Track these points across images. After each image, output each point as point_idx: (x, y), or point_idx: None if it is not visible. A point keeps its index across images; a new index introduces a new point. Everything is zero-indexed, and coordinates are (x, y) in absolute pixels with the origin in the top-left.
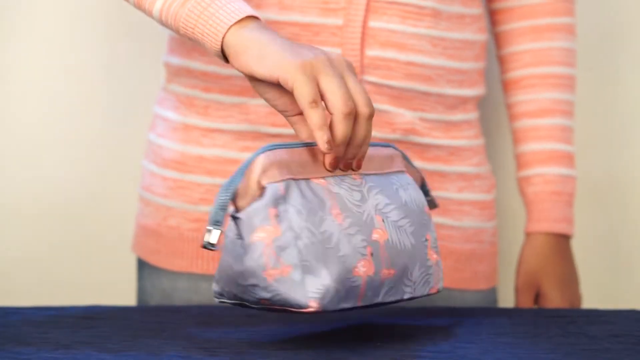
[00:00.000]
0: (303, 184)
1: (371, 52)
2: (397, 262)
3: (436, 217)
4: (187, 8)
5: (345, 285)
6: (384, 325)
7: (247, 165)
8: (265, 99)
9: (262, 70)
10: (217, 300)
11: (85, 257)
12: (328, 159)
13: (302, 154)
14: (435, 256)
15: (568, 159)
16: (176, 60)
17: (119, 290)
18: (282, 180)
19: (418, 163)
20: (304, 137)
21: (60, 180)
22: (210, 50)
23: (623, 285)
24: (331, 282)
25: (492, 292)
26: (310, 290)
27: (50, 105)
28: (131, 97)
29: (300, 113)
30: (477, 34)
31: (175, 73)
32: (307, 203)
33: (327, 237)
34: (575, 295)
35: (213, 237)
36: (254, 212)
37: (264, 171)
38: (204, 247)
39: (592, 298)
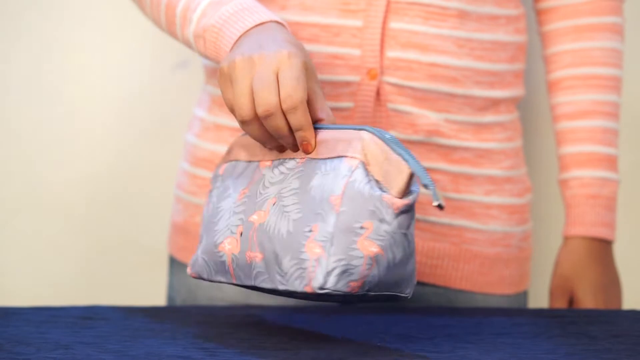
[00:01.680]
0: (251, 165)
1: (391, 53)
2: (266, 247)
3: (461, 220)
4: (208, 49)
5: (213, 258)
6: (384, 325)
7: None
8: None
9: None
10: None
11: (85, 257)
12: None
13: None
14: (318, 251)
15: (607, 161)
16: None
17: (120, 291)
18: (230, 161)
19: (443, 165)
20: None
21: (61, 180)
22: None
23: (623, 285)
24: (200, 252)
25: (520, 297)
26: (192, 257)
27: (54, 106)
28: (144, 99)
29: None
30: (513, 35)
31: (211, 74)
32: (229, 182)
33: (217, 212)
34: (613, 300)
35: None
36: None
37: (229, 151)
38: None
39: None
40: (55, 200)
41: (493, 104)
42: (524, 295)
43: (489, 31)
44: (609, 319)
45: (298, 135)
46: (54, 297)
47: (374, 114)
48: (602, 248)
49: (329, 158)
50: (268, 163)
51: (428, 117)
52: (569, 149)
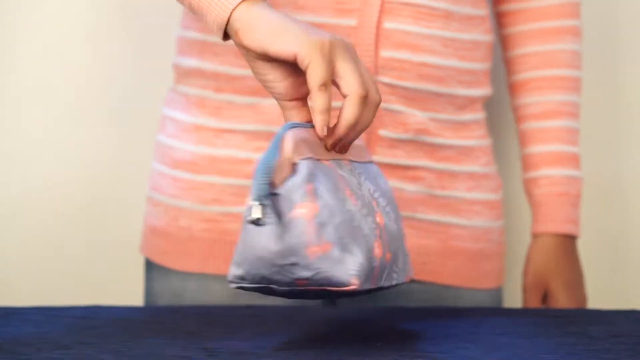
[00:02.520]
0: (317, 163)
1: (385, 53)
2: (392, 247)
3: (447, 217)
4: None
5: (370, 265)
6: (384, 325)
7: (279, 141)
8: (264, 80)
9: (277, 46)
10: (234, 285)
11: (85, 257)
12: (330, 140)
13: (313, 134)
14: (408, 245)
15: (574, 160)
16: (186, 62)
17: (120, 291)
18: (309, 158)
19: (429, 162)
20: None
21: (60, 181)
22: (212, 23)
23: (623, 285)
24: (364, 260)
25: (498, 291)
26: (350, 267)
27: (53, 106)
28: (138, 99)
29: (297, 99)
30: (485, 35)
31: (185, 74)
32: (330, 182)
33: (351, 216)
34: (582, 296)
35: (258, 211)
36: (293, 188)
37: (296, 147)
38: (252, 222)
39: (592, 298)
40: (55, 200)
41: (470, 103)
42: (500, 290)
43: (467, 31)
44: (609, 319)
45: (358, 131)
46: (54, 297)
47: None
48: (571, 244)
49: (364, 162)
50: (327, 163)
51: (416, 116)
52: (536, 148)
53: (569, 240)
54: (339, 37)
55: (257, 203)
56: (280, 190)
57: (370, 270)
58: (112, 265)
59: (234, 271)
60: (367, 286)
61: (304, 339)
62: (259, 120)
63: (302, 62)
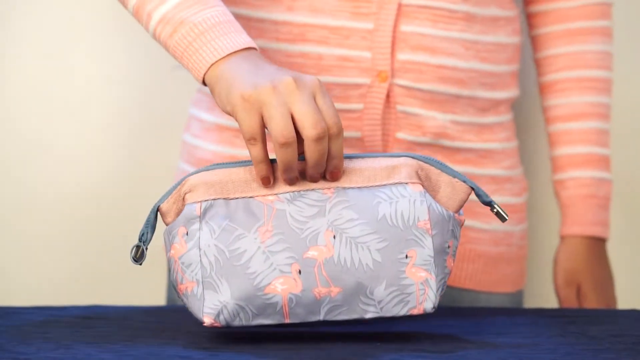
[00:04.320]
0: (237, 202)
1: (402, 55)
2: (344, 280)
3: (466, 220)
4: (175, 40)
5: (256, 302)
6: (384, 325)
7: (178, 184)
8: None
9: (221, 106)
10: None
11: (85, 257)
12: (262, 181)
13: (248, 172)
14: (423, 275)
15: (603, 162)
16: None
17: (120, 291)
18: (205, 200)
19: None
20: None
21: (61, 180)
22: (196, 78)
23: (623, 285)
24: (230, 299)
25: (519, 294)
26: (207, 305)
27: (55, 104)
28: (162, 99)
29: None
30: (511, 37)
31: None
32: (227, 222)
33: (238, 254)
34: (612, 297)
35: (134, 251)
36: (170, 229)
37: (190, 190)
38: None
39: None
40: (55, 200)
41: (494, 105)
42: (521, 293)
43: (491, 33)
44: (609, 319)
45: (333, 163)
46: (54, 297)
47: (383, 116)
48: (599, 246)
49: (377, 186)
50: (272, 198)
51: (435, 118)
52: (564, 150)
53: (597, 242)
54: (289, 76)
55: (136, 243)
56: (164, 230)
57: (261, 307)
58: (113, 265)
59: None
60: (266, 321)
61: (304, 339)
62: None
63: (235, 118)
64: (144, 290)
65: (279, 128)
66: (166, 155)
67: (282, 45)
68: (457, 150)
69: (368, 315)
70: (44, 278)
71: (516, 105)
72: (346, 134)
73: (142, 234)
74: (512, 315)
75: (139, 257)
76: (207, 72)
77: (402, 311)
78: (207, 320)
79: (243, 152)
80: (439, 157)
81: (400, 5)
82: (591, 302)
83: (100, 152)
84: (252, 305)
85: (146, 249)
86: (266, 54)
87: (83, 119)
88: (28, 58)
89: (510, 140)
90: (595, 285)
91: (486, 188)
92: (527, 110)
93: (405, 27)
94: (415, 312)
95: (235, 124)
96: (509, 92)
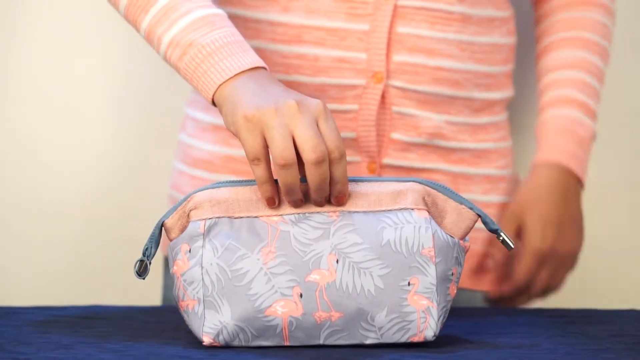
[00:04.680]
0: (241, 222)
1: (398, 57)
2: (345, 305)
3: None
4: (184, 62)
5: (256, 324)
6: None
7: (184, 201)
8: None
9: (227, 125)
10: None
11: (85, 257)
12: (267, 202)
13: (253, 191)
14: (425, 302)
15: (585, 107)
16: None
17: (120, 291)
18: (209, 218)
19: (443, 165)
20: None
21: (60, 180)
22: (205, 98)
23: (623, 285)
24: (230, 320)
25: None
26: (207, 325)
27: (54, 104)
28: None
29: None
30: (506, 37)
31: None
32: (230, 241)
33: (240, 275)
34: (565, 239)
35: (137, 266)
36: (173, 245)
37: (195, 208)
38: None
39: (592, 298)
40: (55, 200)
41: (488, 105)
42: None
43: (486, 34)
44: (609, 319)
45: (337, 187)
46: (54, 297)
47: (377, 117)
48: (568, 182)
49: (383, 211)
50: (277, 219)
51: (430, 119)
52: (548, 95)
53: (567, 178)
54: (292, 99)
55: (140, 258)
56: (168, 246)
57: (260, 329)
58: (113, 265)
59: None
60: (265, 343)
61: None
62: None
63: (239, 139)
64: (144, 290)
65: (278, 149)
66: (168, 155)
67: (278, 47)
68: (452, 150)
69: (368, 341)
70: (44, 278)
71: (511, 105)
72: (341, 134)
73: (146, 249)
74: (512, 315)
75: (142, 271)
76: (215, 92)
77: (402, 338)
78: (207, 340)
79: (239, 152)
80: (434, 157)
81: (396, 7)
82: (531, 240)
83: (99, 152)
84: (252, 327)
85: (150, 263)
86: (262, 55)
87: (81, 119)
88: (27, 58)
89: (504, 140)
90: (543, 221)
91: (481, 187)
92: (522, 110)
93: (401, 29)
94: (416, 339)
95: None
96: (504, 93)
